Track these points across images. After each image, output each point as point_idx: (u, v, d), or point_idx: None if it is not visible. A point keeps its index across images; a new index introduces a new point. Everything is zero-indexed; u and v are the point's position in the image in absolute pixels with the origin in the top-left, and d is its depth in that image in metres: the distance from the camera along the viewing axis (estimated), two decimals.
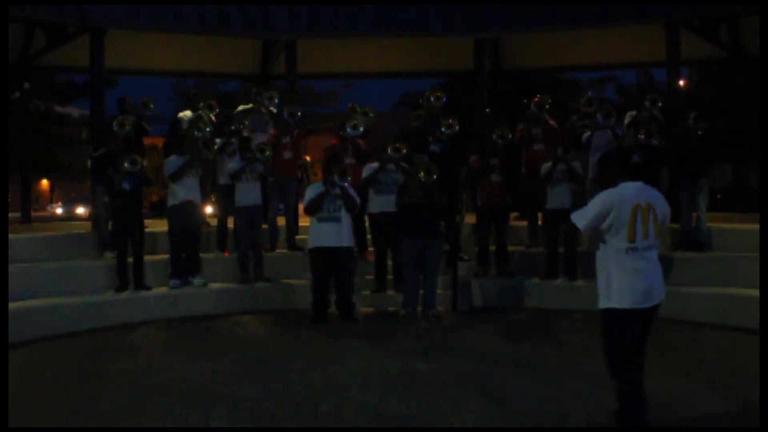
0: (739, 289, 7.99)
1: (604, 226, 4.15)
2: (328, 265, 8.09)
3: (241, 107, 10.25)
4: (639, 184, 4.25)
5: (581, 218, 4.24)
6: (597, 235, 4.27)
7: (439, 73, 18.92)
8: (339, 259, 8.09)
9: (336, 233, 8.04)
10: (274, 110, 10.03)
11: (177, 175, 8.58)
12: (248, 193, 8.97)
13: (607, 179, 4.35)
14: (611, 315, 4.20)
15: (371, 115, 10.06)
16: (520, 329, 7.90)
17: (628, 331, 4.19)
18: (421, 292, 8.29)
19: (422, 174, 8.08)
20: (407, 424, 4.70)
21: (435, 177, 8.06)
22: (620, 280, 4.15)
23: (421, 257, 8.20)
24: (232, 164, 9.12)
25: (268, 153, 9.02)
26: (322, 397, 5.21)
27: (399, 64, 14.90)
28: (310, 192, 8.20)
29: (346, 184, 8.08)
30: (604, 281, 4.23)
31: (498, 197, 9.10)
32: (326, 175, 8.14)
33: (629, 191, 4.19)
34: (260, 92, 10.36)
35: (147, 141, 10.90)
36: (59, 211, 37.47)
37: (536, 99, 9.85)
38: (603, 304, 4.24)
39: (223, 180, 9.47)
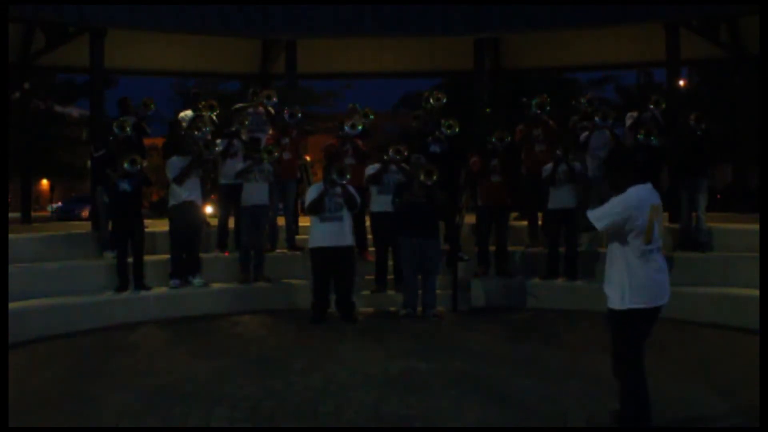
0: (739, 289, 7.99)
1: (627, 227, 4.16)
2: (329, 265, 8.10)
3: (239, 105, 10.22)
4: (649, 185, 4.28)
5: (601, 219, 4.24)
6: (614, 237, 4.27)
7: (439, 73, 18.89)
8: (341, 258, 8.09)
9: (338, 233, 8.04)
10: (272, 110, 10.03)
11: (182, 178, 8.58)
12: (255, 193, 8.97)
13: (616, 180, 4.33)
14: (625, 316, 4.21)
15: (371, 117, 10.07)
16: (520, 329, 7.90)
17: (639, 331, 4.22)
18: (421, 292, 8.30)
19: (422, 176, 8.10)
20: (407, 424, 4.70)
21: (435, 178, 8.08)
22: (636, 281, 4.18)
23: (420, 257, 8.21)
24: (239, 165, 9.12)
25: (277, 154, 9.05)
26: (322, 397, 5.21)
27: (399, 64, 14.89)
28: (312, 192, 8.21)
29: (345, 183, 8.09)
30: (618, 282, 4.23)
31: (498, 197, 9.10)
32: (326, 173, 8.16)
33: (645, 193, 4.22)
34: (257, 92, 10.35)
35: (147, 141, 10.89)
36: None
37: (533, 99, 9.81)
38: (617, 305, 4.24)
39: (223, 180, 9.47)
